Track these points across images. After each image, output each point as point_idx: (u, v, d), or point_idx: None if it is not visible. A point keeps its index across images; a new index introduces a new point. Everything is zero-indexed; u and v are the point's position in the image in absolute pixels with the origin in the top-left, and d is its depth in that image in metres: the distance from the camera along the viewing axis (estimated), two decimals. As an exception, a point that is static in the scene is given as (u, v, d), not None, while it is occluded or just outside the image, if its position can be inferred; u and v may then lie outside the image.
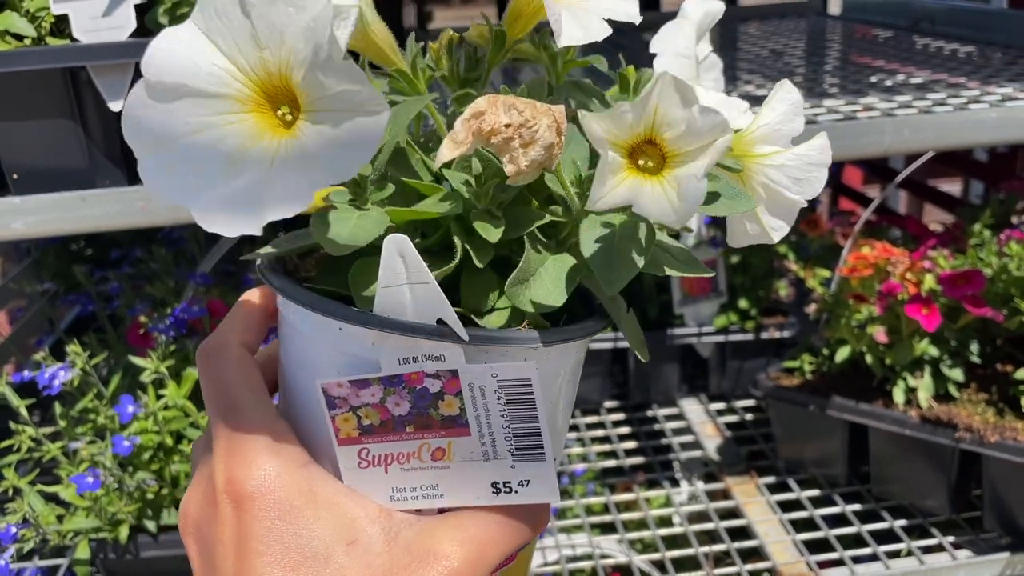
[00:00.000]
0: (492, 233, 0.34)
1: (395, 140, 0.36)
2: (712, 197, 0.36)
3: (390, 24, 0.39)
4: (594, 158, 0.37)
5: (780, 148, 0.38)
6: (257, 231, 0.29)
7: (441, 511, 0.36)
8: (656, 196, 0.32)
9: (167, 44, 0.31)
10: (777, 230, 0.39)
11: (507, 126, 0.31)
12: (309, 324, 0.35)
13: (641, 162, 0.32)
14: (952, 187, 1.81)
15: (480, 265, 0.35)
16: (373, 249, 0.33)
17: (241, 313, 0.39)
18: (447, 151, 0.31)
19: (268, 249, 0.38)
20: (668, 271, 0.37)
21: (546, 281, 0.35)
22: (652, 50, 0.40)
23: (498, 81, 0.41)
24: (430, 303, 0.32)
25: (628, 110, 0.31)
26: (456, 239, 0.35)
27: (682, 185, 0.31)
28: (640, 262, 0.34)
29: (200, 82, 0.30)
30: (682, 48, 0.40)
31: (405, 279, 0.32)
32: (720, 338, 1.27)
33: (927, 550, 0.99)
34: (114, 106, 0.69)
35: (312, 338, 0.35)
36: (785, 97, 0.38)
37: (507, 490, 0.35)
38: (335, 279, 0.36)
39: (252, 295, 0.40)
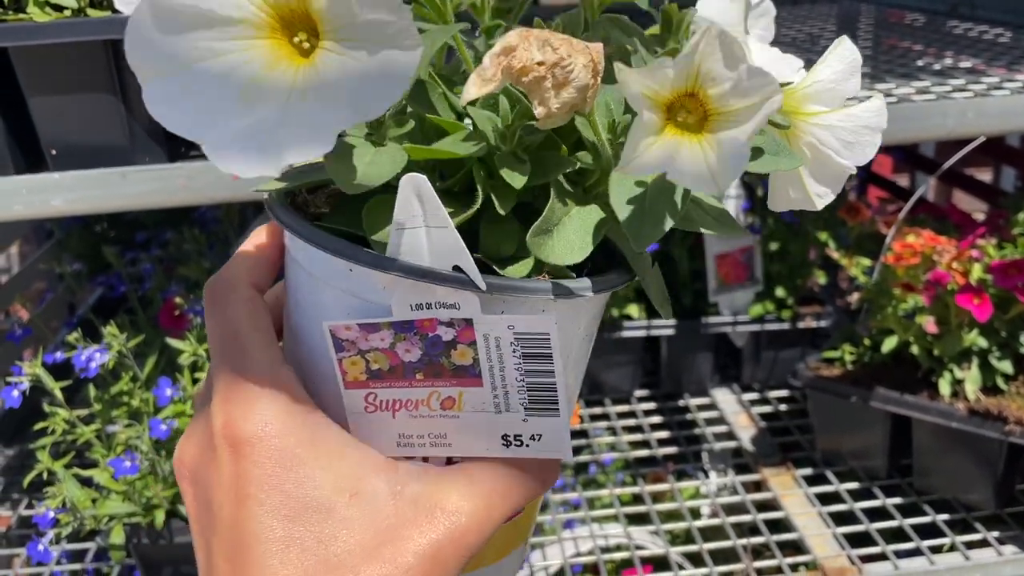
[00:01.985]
0: (517, 179, 0.32)
1: (417, 73, 0.32)
2: (755, 153, 0.33)
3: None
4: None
5: (832, 109, 0.35)
6: (275, 173, 0.27)
7: (449, 462, 0.35)
8: (695, 159, 0.29)
9: None
10: (822, 196, 0.37)
11: (540, 64, 0.29)
12: (318, 264, 0.33)
13: (680, 118, 0.30)
14: (982, 175, 1.78)
15: (502, 212, 0.33)
16: (389, 188, 0.31)
17: (251, 251, 0.37)
18: (474, 88, 0.29)
19: (276, 184, 0.35)
20: (701, 229, 0.35)
21: (570, 232, 0.33)
22: None
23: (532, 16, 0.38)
24: (447, 248, 0.30)
25: (669, 66, 0.28)
26: (478, 183, 0.33)
27: (723, 148, 0.29)
28: (672, 220, 0.32)
29: (211, 3, 0.28)
30: None
31: (422, 221, 0.30)
32: (755, 327, 1.25)
33: (971, 545, 0.97)
34: (157, 80, 0.67)
35: (321, 279, 0.33)
36: (843, 55, 0.35)
37: (518, 443, 0.34)
38: (347, 218, 0.34)
39: (261, 233, 0.38)
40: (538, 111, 0.30)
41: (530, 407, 0.33)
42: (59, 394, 0.80)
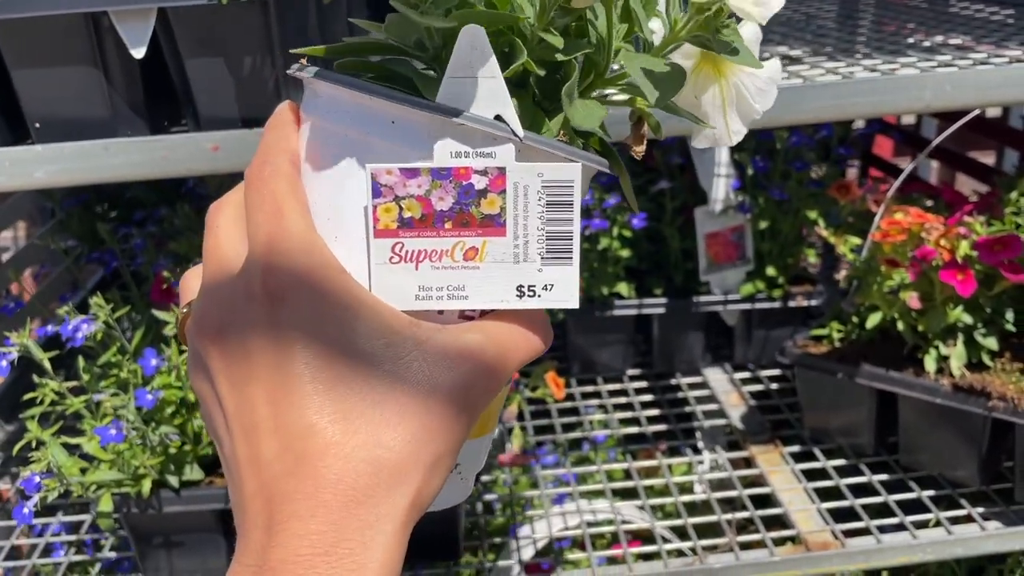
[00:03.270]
0: (557, 41, 0.35)
1: None
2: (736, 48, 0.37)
3: None
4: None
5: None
6: None
7: (462, 317, 0.37)
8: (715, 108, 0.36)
9: None
10: (736, 134, 0.41)
11: None
12: (359, 121, 0.35)
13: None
14: (985, 158, 1.77)
15: (540, 73, 0.36)
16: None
17: (283, 131, 0.38)
18: None
19: (317, 51, 0.38)
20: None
21: (588, 103, 0.37)
22: None
23: None
24: (494, 99, 0.33)
25: None
26: (517, 49, 0.35)
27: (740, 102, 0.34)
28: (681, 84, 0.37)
29: None
30: None
31: (473, 72, 0.33)
32: (746, 306, 1.25)
33: (955, 521, 0.98)
34: (136, 53, 0.68)
35: (356, 140, 0.35)
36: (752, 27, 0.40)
37: (531, 294, 0.36)
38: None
39: (286, 113, 0.39)
40: None
41: (547, 256, 0.36)
42: (48, 364, 0.82)
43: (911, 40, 1.01)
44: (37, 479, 0.76)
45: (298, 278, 0.33)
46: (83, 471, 0.84)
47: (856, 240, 1.12)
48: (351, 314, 0.34)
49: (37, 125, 0.72)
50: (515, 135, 0.33)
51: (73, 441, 0.85)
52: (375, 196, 0.35)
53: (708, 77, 0.39)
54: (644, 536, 1.09)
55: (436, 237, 0.35)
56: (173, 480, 0.86)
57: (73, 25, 0.69)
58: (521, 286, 0.36)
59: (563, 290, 0.36)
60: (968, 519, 0.98)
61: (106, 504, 0.84)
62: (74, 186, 0.84)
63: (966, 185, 1.88)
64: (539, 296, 0.36)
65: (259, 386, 0.33)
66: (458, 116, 0.33)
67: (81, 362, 0.87)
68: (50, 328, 0.87)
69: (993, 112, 1.62)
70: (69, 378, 0.92)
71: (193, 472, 0.87)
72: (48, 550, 1.02)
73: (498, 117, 0.34)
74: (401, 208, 0.35)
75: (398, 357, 0.34)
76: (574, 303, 0.36)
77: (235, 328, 0.34)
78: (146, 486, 0.84)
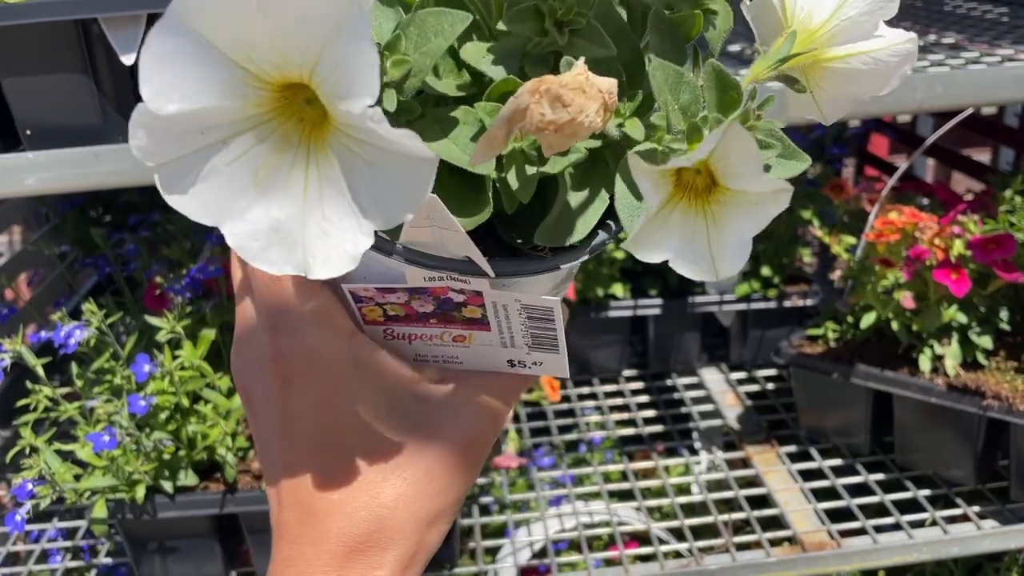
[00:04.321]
0: (522, 192, 0.33)
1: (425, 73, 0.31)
2: (766, 168, 0.33)
3: None
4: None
5: (857, 47, 0.34)
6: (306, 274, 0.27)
7: None
8: (697, 245, 0.31)
9: (161, 62, 0.25)
10: (831, 117, 0.37)
11: (550, 123, 0.28)
12: None
13: (687, 178, 0.31)
14: (981, 156, 1.77)
15: (510, 212, 0.34)
16: None
17: None
18: (481, 156, 0.29)
19: None
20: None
21: (572, 220, 0.35)
22: None
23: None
24: (457, 245, 0.32)
25: (685, 161, 0.29)
26: (488, 188, 0.34)
27: (726, 238, 0.30)
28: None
29: (201, 100, 0.26)
30: None
31: (433, 223, 0.31)
32: (742, 306, 1.25)
33: (951, 520, 0.98)
34: (126, 60, 0.68)
35: None
36: None
37: (522, 366, 0.38)
38: None
39: None
40: (546, 151, 0.30)
41: (534, 346, 0.37)
42: (41, 371, 0.82)
43: (904, 39, 1.01)
44: (30, 486, 0.76)
45: (305, 362, 0.36)
46: (77, 477, 0.84)
47: (851, 239, 1.12)
48: (356, 385, 0.36)
49: (28, 132, 0.72)
50: (485, 273, 0.33)
51: (67, 447, 0.85)
52: (356, 302, 0.36)
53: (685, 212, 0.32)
54: (641, 537, 1.09)
55: (424, 327, 0.37)
56: (167, 486, 0.86)
57: (63, 32, 0.69)
58: (512, 360, 0.38)
59: (552, 367, 0.38)
60: (964, 518, 0.98)
61: (100, 510, 0.84)
62: (65, 192, 0.84)
63: (962, 183, 1.88)
64: (530, 368, 0.38)
65: (275, 446, 0.37)
66: (422, 264, 0.33)
67: (75, 368, 0.87)
68: (43, 334, 0.87)
69: (988, 110, 1.62)
70: (63, 384, 0.92)
71: (187, 477, 0.87)
72: (45, 556, 1.02)
73: (466, 258, 0.33)
74: (385, 309, 0.36)
75: (403, 417, 0.36)
76: (565, 374, 0.38)
77: (255, 397, 0.38)
78: (140, 492, 0.83)
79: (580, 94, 0.28)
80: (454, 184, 0.32)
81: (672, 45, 0.33)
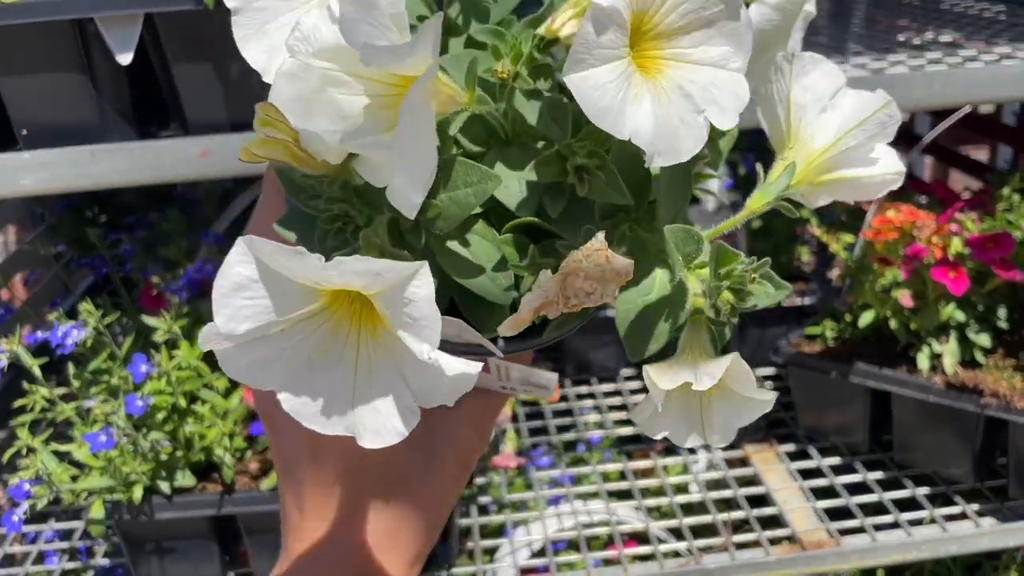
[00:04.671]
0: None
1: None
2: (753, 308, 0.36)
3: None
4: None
5: (849, 173, 0.36)
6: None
7: None
8: (693, 427, 0.35)
9: (231, 295, 0.29)
10: (813, 205, 0.38)
11: (574, 306, 0.32)
12: None
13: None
14: (979, 154, 1.77)
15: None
16: None
17: None
18: (510, 328, 0.32)
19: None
20: None
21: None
22: None
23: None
24: (474, 337, 0.35)
25: (698, 387, 0.33)
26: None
27: (716, 425, 0.35)
28: (666, 337, 0.36)
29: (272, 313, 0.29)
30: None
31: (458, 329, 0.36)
32: (740, 305, 1.25)
33: (950, 518, 0.98)
34: (122, 59, 0.68)
35: None
36: (884, 118, 0.36)
37: (512, 390, 0.43)
38: None
39: None
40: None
41: (522, 385, 0.43)
42: (38, 371, 0.81)
43: (901, 37, 1.01)
44: (26, 487, 0.76)
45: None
46: (74, 478, 0.84)
47: (849, 238, 1.12)
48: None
49: (24, 132, 0.72)
50: (495, 354, 0.36)
51: (64, 448, 0.84)
52: None
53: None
54: (640, 537, 1.09)
55: None
56: (165, 486, 0.86)
57: (59, 32, 0.69)
58: (504, 387, 0.43)
59: (541, 392, 0.43)
60: (963, 516, 0.98)
61: (97, 511, 0.83)
62: (62, 193, 0.84)
63: (960, 181, 1.88)
64: (520, 392, 0.43)
65: (304, 470, 0.42)
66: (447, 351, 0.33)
67: (72, 368, 0.87)
68: (40, 334, 0.86)
69: (986, 108, 1.62)
70: (60, 384, 0.92)
71: (185, 478, 0.87)
72: (41, 557, 1.01)
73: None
74: None
75: (412, 441, 0.38)
76: (552, 395, 0.44)
77: (279, 421, 0.41)
78: (137, 492, 0.83)
79: (600, 282, 0.32)
80: (477, 300, 0.36)
81: (680, 180, 0.36)
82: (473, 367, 0.29)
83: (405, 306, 0.28)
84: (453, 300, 0.36)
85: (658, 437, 0.36)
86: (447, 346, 0.34)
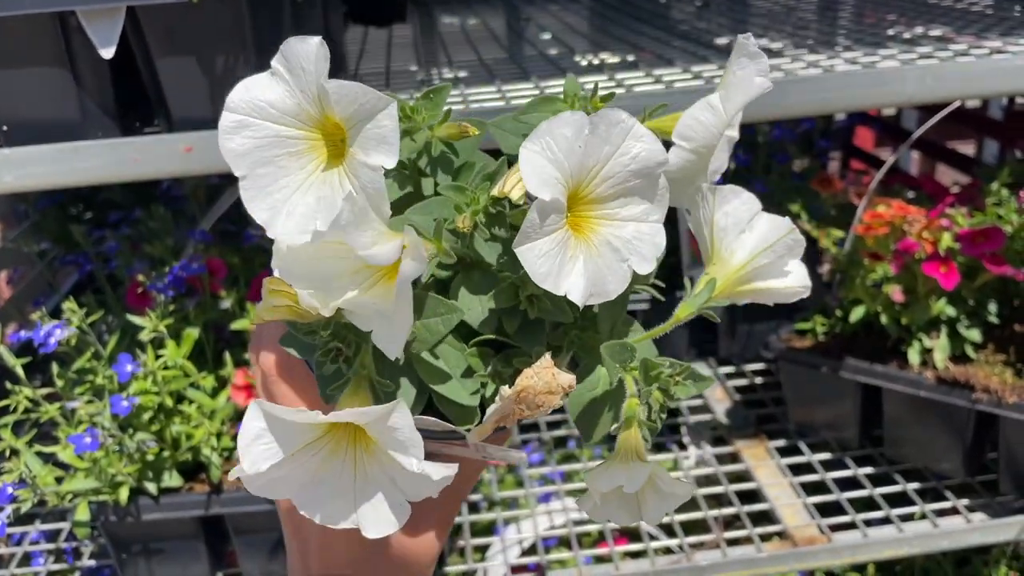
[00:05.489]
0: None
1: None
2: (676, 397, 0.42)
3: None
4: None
5: (762, 285, 0.42)
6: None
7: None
8: (631, 511, 0.42)
9: (252, 444, 0.37)
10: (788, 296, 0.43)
11: (526, 415, 0.39)
12: None
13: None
14: (965, 148, 1.77)
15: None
16: None
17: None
18: (479, 435, 0.41)
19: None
20: None
21: None
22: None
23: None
24: (446, 429, 0.42)
25: (629, 489, 0.40)
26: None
27: (650, 512, 0.42)
28: (610, 425, 0.43)
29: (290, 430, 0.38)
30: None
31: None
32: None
33: (941, 513, 0.98)
34: (105, 53, 0.66)
35: None
36: (791, 242, 0.41)
37: (488, 457, 0.47)
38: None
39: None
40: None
41: (495, 453, 0.46)
42: (20, 371, 0.80)
43: (891, 32, 1.01)
44: (10, 490, 0.74)
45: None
46: (59, 480, 0.83)
47: (839, 233, 1.12)
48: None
49: (4, 128, 0.70)
50: (463, 436, 0.42)
51: (48, 449, 0.83)
52: None
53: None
54: (631, 533, 1.08)
55: None
56: (151, 487, 0.85)
57: (40, 25, 0.67)
58: (483, 456, 0.46)
59: (513, 458, 0.46)
60: (954, 511, 0.98)
61: (83, 513, 0.82)
62: (44, 190, 0.83)
63: (946, 175, 1.88)
64: (494, 457, 0.46)
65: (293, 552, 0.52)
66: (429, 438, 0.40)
67: (55, 368, 0.86)
68: (23, 333, 0.85)
69: (973, 103, 1.62)
70: (44, 384, 0.91)
71: (172, 479, 0.86)
72: (27, 559, 1.00)
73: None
74: None
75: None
76: (523, 462, 0.52)
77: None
78: (123, 494, 0.82)
79: (548, 396, 0.39)
80: (450, 401, 0.43)
81: (616, 302, 0.42)
82: (453, 468, 0.36)
83: (392, 432, 0.35)
84: (432, 399, 0.43)
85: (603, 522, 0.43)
86: (426, 434, 0.41)
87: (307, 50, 0.36)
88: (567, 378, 0.39)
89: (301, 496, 0.38)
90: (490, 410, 0.39)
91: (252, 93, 0.37)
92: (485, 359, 0.43)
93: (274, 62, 0.37)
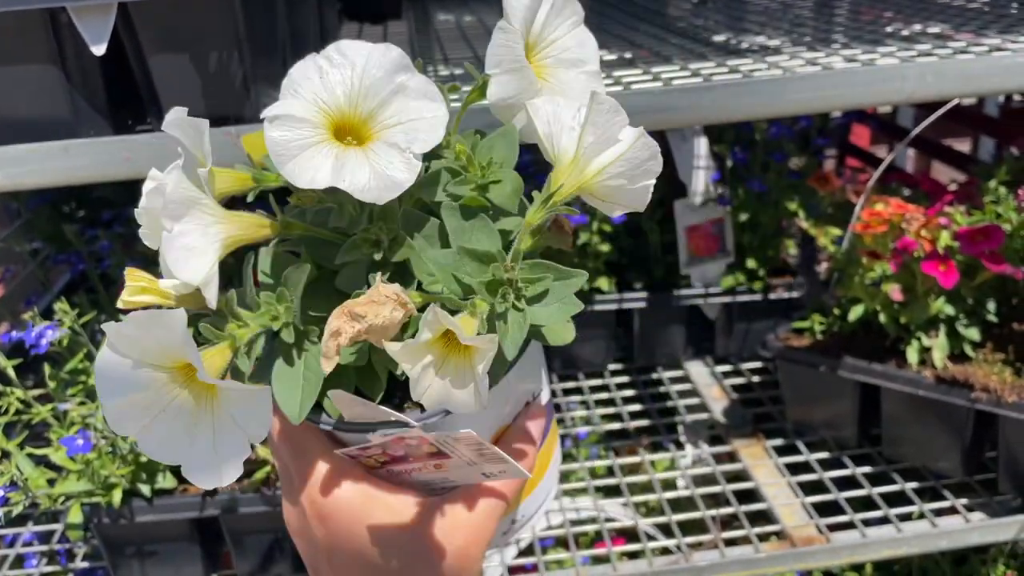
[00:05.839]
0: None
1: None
2: (545, 309, 0.43)
3: None
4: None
5: (603, 159, 0.43)
6: (223, 484, 0.41)
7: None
8: (466, 398, 0.41)
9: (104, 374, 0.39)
10: (637, 205, 0.44)
11: (357, 332, 0.40)
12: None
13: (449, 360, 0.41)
14: (961, 146, 1.77)
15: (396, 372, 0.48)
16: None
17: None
18: (326, 366, 0.41)
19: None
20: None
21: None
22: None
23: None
24: (379, 413, 0.45)
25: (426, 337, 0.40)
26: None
27: (480, 387, 0.40)
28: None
29: (136, 376, 0.39)
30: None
31: (356, 406, 0.45)
32: (727, 299, 1.24)
33: (939, 513, 0.97)
34: (96, 50, 0.65)
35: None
36: (599, 108, 0.42)
37: (493, 477, 0.49)
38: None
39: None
40: (377, 346, 0.42)
41: (486, 462, 0.47)
42: (12, 372, 0.79)
43: (889, 29, 1.00)
44: (1, 492, 0.74)
45: (332, 502, 0.48)
46: (51, 482, 0.82)
47: (836, 231, 1.11)
48: (375, 515, 0.47)
49: (-6, 126, 0.69)
50: (409, 423, 0.45)
51: (40, 451, 0.82)
52: (353, 459, 0.48)
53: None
54: (629, 533, 1.08)
55: (407, 464, 0.48)
56: (145, 489, 0.84)
57: (30, 22, 0.66)
58: (484, 473, 0.48)
59: (512, 472, 0.48)
60: (952, 511, 0.98)
61: (75, 515, 0.82)
62: (35, 188, 0.82)
63: (942, 173, 1.88)
64: (499, 477, 0.48)
65: (324, 567, 0.50)
66: (368, 430, 0.45)
67: (47, 369, 0.85)
68: (15, 334, 0.84)
69: (969, 100, 1.62)
70: (36, 385, 0.90)
71: (166, 480, 0.85)
72: (20, 560, 0.99)
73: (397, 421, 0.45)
74: (374, 458, 0.48)
75: (414, 529, 0.47)
76: (527, 476, 0.48)
77: (304, 535, 0.51)
78: (116, 496, 0.81)
79: (372, 305, 0.41)
80: (362, 379, 0.47)
81: (464, 220, 0.45)
82: (266, 395, 0.40)
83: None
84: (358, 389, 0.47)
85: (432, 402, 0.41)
86: (363, 427, 0.45)
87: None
88: (391, 288, 0.41)
89: (177, 445, 0.40)
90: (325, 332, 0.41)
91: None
92: None
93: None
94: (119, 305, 0.44)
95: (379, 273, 0.42)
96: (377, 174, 0.41)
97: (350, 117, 0.42)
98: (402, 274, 0.46)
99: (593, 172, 0.43)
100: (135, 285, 0.44)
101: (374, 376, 0.47)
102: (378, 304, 0.40)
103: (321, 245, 0.47)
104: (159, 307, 0.43)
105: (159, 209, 0.41)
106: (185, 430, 0.40)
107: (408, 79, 0.42)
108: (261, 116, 0.41)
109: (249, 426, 0.39)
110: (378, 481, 0.49)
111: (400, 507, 0.48)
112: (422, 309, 0.43)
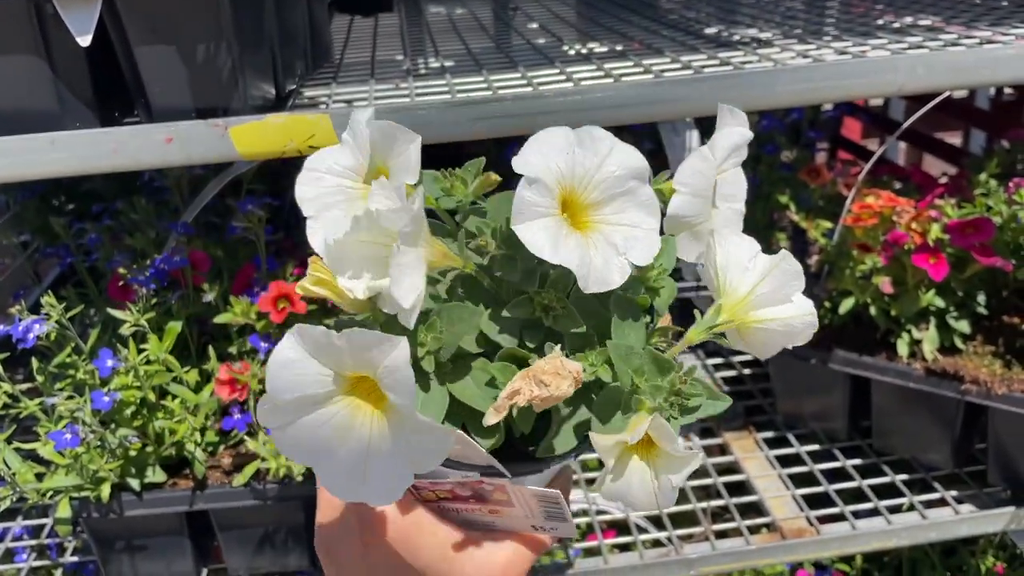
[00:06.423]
0: (524, 426, 0.47)
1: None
2: (694, 409, 0.46)
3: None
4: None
5: (770, 313, 0.46)
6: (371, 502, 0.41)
7: None
8: (646, 490, 0.44)
9: (280, 369, 0.39)
10: (763, 356, 0.48)
11: (536, 397, 0.43)
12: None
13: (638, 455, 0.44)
14: (952, 139, 1.77)
15: (518, 436, 0.48)
16: None
17: None
18: (492, 416, 0.43)
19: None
20: None
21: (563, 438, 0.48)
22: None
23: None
24: (481, 458, 0.45)
25: (626, 438, 0.42)
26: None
27: (663, 484, 0.43)
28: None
29: (302, 388, 0.39)
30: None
31: (464, 446, 0.45)
32: (718, 292, 1.24)
33: (929, 504, 0.98)
34: (82, 41, 0.65)
35: None
36: (785, 267, 0.46)
37: (541, 530, 0.50)
38: None
39: None
40: (536, 409, 0.44)
41: (548, 518, 0.49)
42: (-1, 366, 0.78)
43: (880, 21, 1.00)
44: (-12, 488, 0.73)
45: (380, 526, 0.49)
46: (39, 476, 0.81)
47: (827, 224, 1.11)
48: (416, 539, 0.49)
49: (-21, 118, 0.69)
50: (504, 474, 0.46)
51: (28, 446, 0.82)
52: (416, 489, 0.49)
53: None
54: (620, 525, 1.08)
55: (466, 504, 0.49)
56: (134, 483, 0.83)
57: (15, 12, 0.66)
58: (534, 525, 0.50)
59: (564, 532, 0.50)
60: (942, 502, 0.98)
61: (64, 510, 0.81)
62: (21, 181, 0.81)
63: (933, 166, 1.88)
64: (547, 531, 0.50)
65: None
66: (460, 469, 0.47)
67: (35, 363, 0.84)
68: (2, 327, 0.83)
69: (960, 93, 1.62)
70: (24, 380, 0.89)
71: (155, 474, 0.84)
72: (10, 555, 0.99)
73: (489, 467, 0.46)
74: (437, 493, 0.49)
75: (453, 562, 0.49)
76: (574, 536, 0.52)
77: (342, 556, 0.51)
78: (105, 490, 0.81)
79: (556, 377, 0.43)
80: (479, 419, 0.46)
81: (630, 316, 0.47)
82: (448, 429, 0.41)
83: (394, 385, 0.38)
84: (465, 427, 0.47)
85: (613, 503, 0.44)
86: (453, 464, 0.46)
87: (364, 113, 0.46)
88: (574, 365, 0.43)
89: (319, 456, 0.40)
90: (503, 390, 0.43)
91: (324, 155, 0.47)
92: (508, 373, 0.46)
93: (344, 134, 0.47)
94: (297, 291, 0.46)
95: (558, 346, 0.44)
96: (594, 267, 0.43)
97: (574, 197, 0.44)
98: (548, 334, 0.48)
99: (756, 319, 0.46)
100: (315, 275, 0.45)
101: (496, 426, 0.48)
102: (561, 377, 0.43)
103: (481, 288, 0.49)
104: (329, 303, 0.47)
105: (398, 221, 0.40)
106: (336, 436, 0.39)
107: (639, 187, 0.44)
108: (516, 169, 0.42)
109: (421, 457, 0.39)
110: (427, 510, 0.50)
111: (446, 537, 0.49)
112: None
